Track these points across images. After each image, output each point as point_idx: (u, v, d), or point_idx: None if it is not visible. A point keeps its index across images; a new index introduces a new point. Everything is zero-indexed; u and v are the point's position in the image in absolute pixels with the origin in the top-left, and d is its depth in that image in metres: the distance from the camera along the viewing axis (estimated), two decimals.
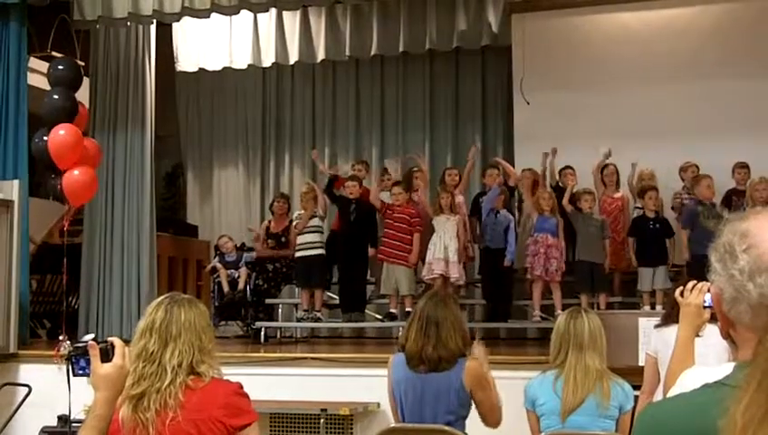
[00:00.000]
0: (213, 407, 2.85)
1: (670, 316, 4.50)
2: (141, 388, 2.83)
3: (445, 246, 8.70)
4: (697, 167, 9.02)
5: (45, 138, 8.42)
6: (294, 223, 9.46)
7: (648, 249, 8.46)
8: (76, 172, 8.46)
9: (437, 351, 4.29)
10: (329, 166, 10.52)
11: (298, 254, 9.26)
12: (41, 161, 8.70)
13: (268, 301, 9.77)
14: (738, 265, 1.46)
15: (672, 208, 9.19)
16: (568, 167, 9.37)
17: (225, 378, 2.97)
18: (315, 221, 9.30)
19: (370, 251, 9.08)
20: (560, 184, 9.27)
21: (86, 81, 9.66)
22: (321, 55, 11.11)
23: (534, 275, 8.63)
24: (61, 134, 8.40)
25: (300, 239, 9.24)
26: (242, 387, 2.95)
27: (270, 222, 10.06)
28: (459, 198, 9.28)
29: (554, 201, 8.73)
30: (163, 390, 2.82)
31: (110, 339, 2.64)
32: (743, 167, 8.88)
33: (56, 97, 8.64)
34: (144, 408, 2.81)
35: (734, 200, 8.64)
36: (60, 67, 8.92)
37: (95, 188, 8.78)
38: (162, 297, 3.04)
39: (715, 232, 1.54)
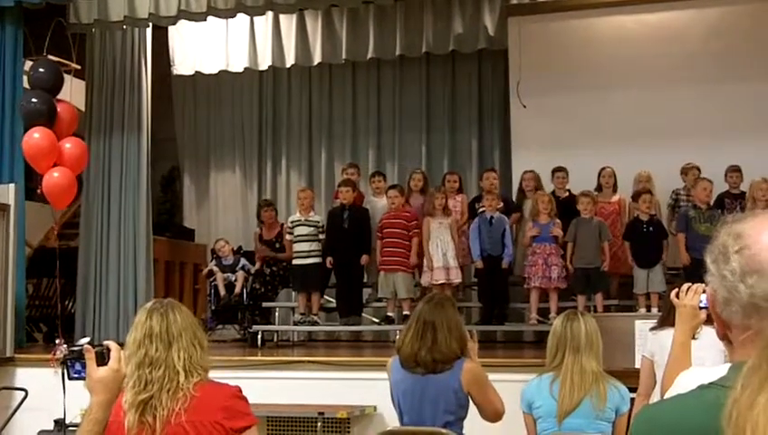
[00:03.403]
0: (212, 409, 2.87)
1: (666, 319, 4.50)
2: (149, 393, 2.84)
3: (443, 253, 8.67)
4: (698, 169, 9.00)
5: None
6: (291, 223, 9.37)
7: (642, 252, 8.44)
8: (55, 175, 8.46)
9: (432, 354, 4.30)
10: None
11: (295, 262, 9.23)
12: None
13: (265, 304, 9.74)
14: (730, 267, 1.47)
15: (671, 216, 9.13)
16: (559, 169, 9.36)
17: (213, 379, 3.00)
18: (312, 230, 9.21)
19: (364, 259, 8.99)
20: (555, 193, 9.24)
21: (82, 84, 9.66)
22: (317, 59, 11.10)
23: (532, 286, 8.60)
24: (35, 138, 8.39)
25: (296, 247, 9.19)
26: (241, 390, 2.98)
27: (261, 230, 10.01)
28: (453, 201, 9.24)
29: (553, 205, 8.70)
30: (171, 392, 2.85)
31: (105, 342, 2.65)
32: (735, 170, 8.87)
33: (34, 100, 8.58)
34: (152, 411, 2.83)
35: (728, 203, 8.65)
36: (40, 70, 8.81)
37: (74, 191, 8.76)
38: (149, 306, 3.05)
39: (708, 235, 1.55)
